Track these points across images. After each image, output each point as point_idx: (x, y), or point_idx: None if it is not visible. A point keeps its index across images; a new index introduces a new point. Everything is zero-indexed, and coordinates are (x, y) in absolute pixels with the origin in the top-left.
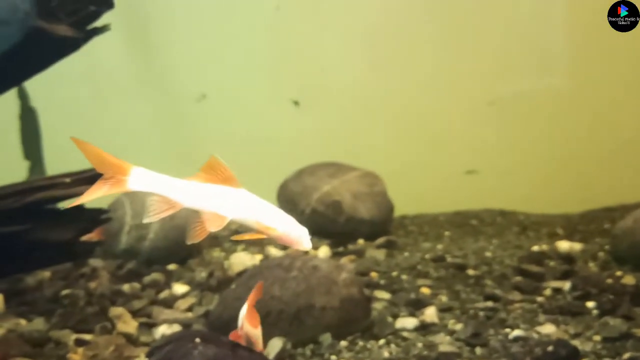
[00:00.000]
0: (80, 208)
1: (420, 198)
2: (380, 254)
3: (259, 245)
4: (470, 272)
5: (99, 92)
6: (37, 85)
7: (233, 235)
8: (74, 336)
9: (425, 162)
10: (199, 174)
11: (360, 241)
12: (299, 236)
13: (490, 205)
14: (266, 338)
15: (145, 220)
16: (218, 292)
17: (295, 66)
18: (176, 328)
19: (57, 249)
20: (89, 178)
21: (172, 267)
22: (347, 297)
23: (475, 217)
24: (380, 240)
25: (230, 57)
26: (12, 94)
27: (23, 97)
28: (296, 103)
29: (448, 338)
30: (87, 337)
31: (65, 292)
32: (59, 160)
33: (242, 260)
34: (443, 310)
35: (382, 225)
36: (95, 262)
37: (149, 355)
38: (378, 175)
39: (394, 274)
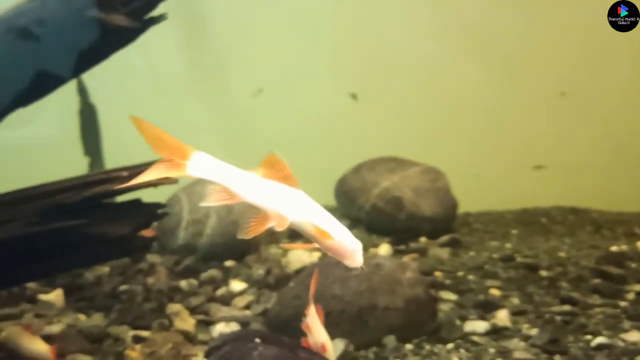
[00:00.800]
0: (137, 202)
1: (485, 194)
2: (444, 253)
3: None
4: (543, 273)
5: (156, 88)
6: (97, 81)
7: (287, 240)
8: (132, 332)
9: (491, 157)
10: (258, 169)
11: (423, 239)
12: (354, 250)
13: (560, 202)
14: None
15: (202, 204)
16: (276, 290)
17: (353, 59)
18: (234, 326)
19: (114, 244)
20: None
21: (229, 263)
22: (412, 298)
23: (545, 215)
24: (444, 238)
25: (288, 51)
26: (72, 90)
27: (83, 92)
28: (354, 96)
29: (523, 344)
30: (144, 333)
31: (123, 287)
32: (119, 156)
33: (300, 257)
34: (516, 313)
35: (445, 222)
36: (152, 257)
37: (207, 355)
38: (440, 171)
39: (460, 273)
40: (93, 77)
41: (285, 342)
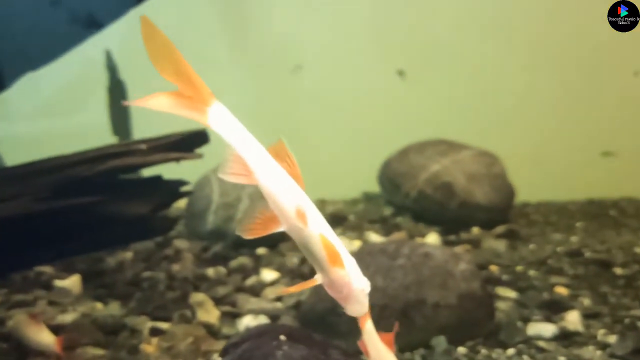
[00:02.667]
0: (157, 179)
1: (545, 183)
2: (500, 245)
3: (357, 229)
4: (618, 270)
5: (192, 64)
6: (125, 58)
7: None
8: (150, 324)
9: (553, 141)
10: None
11: (475, 229)
12: (362, 290)
13: (632, 193)
14: None
15: (219, 175)
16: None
17: (402, 35)
18: (262, 319)
19: (133, 224)
20: (168, 145)
21: (261, 251)
22: (466, 293)
23: (614, 207)
24: (500, 229)
25: (330, 25)
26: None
27: (112, 69)
28: (401, 74)
29: (600, 353)
30: (164, 325)
31: (145, 274)
32: (149, 135)
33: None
34: (588, 316)
35: (500, 212)
36: (179, 243)
37: (223, 354)
38: (496, 155)
39: (519, 268)
40: (123, 54)
41: (316, 341)
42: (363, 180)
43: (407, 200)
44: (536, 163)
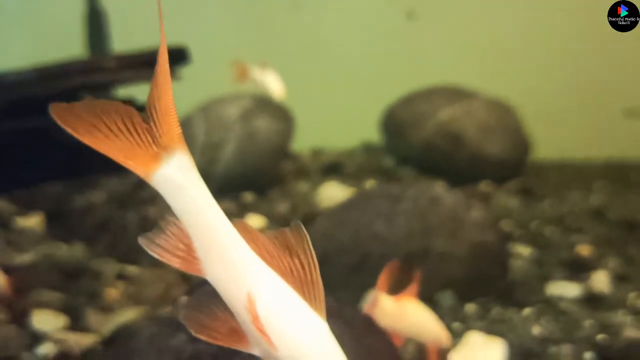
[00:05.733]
0: (130, 102)
1: (562, 140)
2: (512, 201)
3: (355, 180)
4: None
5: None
6: None
7: (320, 176)
8: (117, 267)
9: (572, 94)
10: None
11: (485, 184)
12: None
13: None
14: (362, 287)
15: (143, 244)
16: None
17: None
18: None
19: (100, 153)
20: (141, 62)
21: (248, 197)
22: (479, 245)
23: (636, 170)
24: (512, 184)
25: None
26: None
27: None
28: (410, 15)
29: (631, 318)
30: (132, 270)
31: (117, 216)
32: None
33: (333, 194)
34: (617, 278)
35: (514, 167)
36: None
37: (189, 291)
38: (510, 106)
39: (534, 225)
40: None
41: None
42: (363, 128)
43: (412, 151)
44: (555, 118)
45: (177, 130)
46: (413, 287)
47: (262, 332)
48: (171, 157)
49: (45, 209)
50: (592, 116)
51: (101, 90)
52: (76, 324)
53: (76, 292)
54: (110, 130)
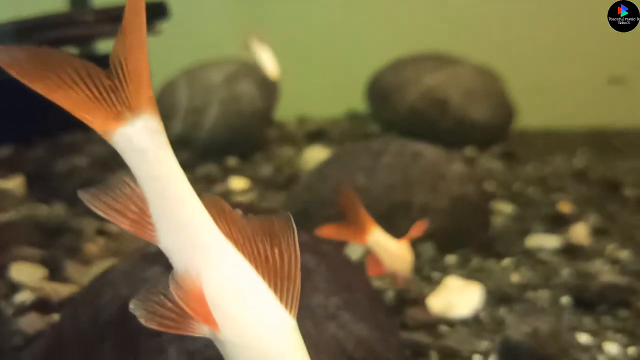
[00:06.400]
0: (105, 59)
1: (546, 108)
2: (496, 165)
3: (340, 143)
4: (627, 192)
5: None
6: None
7: (305, 141)
8: (99, 224)
9: (557, 62)
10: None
11: (470, 149)
12: None
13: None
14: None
15: (85, 199)
16: (286, 190)
17: None
18: None
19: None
20: (119, 16)
21: (232, 161)
22: (459, 197)
23: (620, 136)
24: (496, 149)
25: None
26: None
27: None
28: None
29: (608, 267)
30: (114, 227)
31: (99, 179)
32: None
33: (318, 156)
34: (596, 232)
35: (498, 132)
36: None
37: None
38: (495, 72)
39: (517, 186)
40: None
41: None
42: (348, 97)
43: (397, 116)
44: (538, 85)
45: (147, 91)
46: (414, 232)
47: (195, 311)
48: (137, 118)
49: (26, 172)
50: (577, 84)
51: (80, 43)
52: (55, 275)
53: (56, 248)
54: (63, 80)
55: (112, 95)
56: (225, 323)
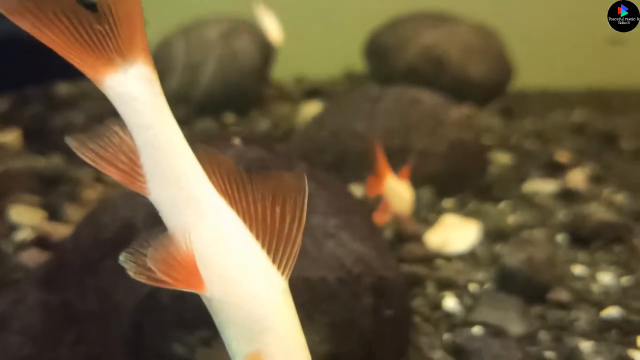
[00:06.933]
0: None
1: (545, 68)
2: (493, 120)
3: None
4: (624, 144)
5: None
6: None
7: (303, 98)
8: (97, 173)
9: (556, 22)
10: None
11: (468, 106)
12: None
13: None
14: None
15: (72, 144)
16: (284, 142)
17: None
18: None
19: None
20: None
21: (229, 117)
22: (457, 143)
23: (618, 96)
24: (494, 105)
25: None
26: None
27: None
28: None
29: (604, 209)
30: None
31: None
32: None
33: (315, 112)
34: (593, 179)
35: (496, 90)
36: None
37: None
38: (494, 31)
39: (514, 139)
40: None
41: (281, 151)
42: (346, 56)
43: (395, 74)
44: (536, 43)
45: (141, 39)
46: (405, 170)
47: (178, 273)
48: (130, 66)
49: (23, 126)
50: (576, 45)
51: None
52: (55, 217)
53: (55, 194)
54: (52, 21)
55: (104, 41)
56: (213, 281)
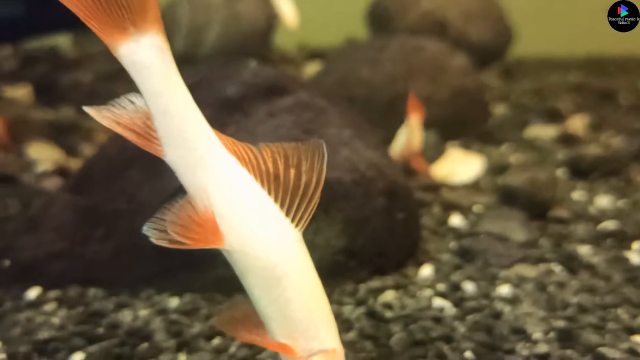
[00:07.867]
0: None
1: (544, 36)
2: (492, 81)
3: None
4: (622, 100)
5: None
6: None
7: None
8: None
9: None
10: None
11: None
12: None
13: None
14: None
15: (88, 110)
16: None
17: None
18: None
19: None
20: None
21: None
22: (459, 89)
23: (614, 63)
24: (494, 67)
25: None
26: None
27: None
28: None
29: (602, 150)
30: None
31: (106, 89)
32: None
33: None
34: (592, 127)
35: (496, 54)
36: None
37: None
38: None
39: (513, 96)
40: None
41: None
42: (347, 23)
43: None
44: (537, 12)
45: (154, 10)
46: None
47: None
48: (143, 35)
49: (33, 83)
50: (574, 12)
51: None
52: (71, 153)
53: (69, 137)
54: None
55: (119, 11)
56: (230, 234)
